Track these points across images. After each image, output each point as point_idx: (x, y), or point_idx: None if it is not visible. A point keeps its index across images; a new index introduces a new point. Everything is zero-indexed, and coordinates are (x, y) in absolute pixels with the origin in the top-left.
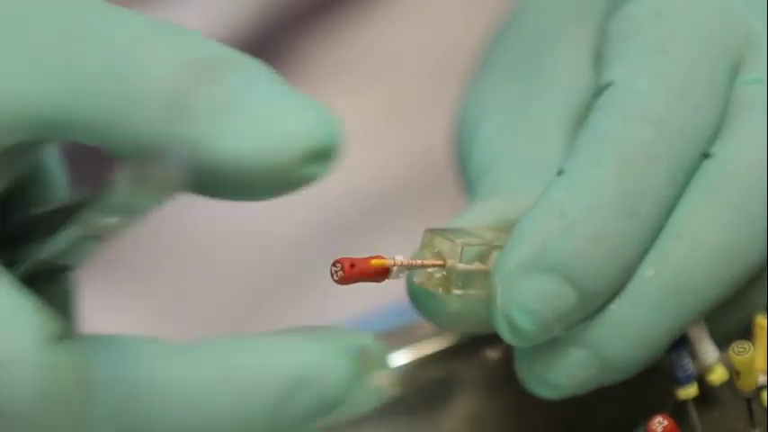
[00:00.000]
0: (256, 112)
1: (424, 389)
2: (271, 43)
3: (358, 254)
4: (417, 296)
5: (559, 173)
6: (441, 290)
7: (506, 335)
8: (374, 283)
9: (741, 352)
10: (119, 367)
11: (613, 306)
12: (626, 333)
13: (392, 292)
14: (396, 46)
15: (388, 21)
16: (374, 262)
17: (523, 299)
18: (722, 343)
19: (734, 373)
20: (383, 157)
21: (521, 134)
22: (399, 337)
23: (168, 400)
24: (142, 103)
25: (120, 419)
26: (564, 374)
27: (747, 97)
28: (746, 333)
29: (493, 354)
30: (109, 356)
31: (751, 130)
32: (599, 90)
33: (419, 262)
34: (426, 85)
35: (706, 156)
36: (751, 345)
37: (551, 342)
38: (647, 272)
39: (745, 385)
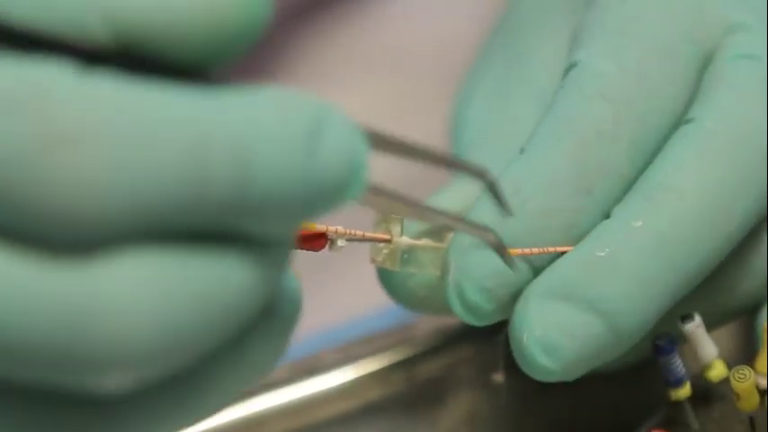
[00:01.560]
0: None
1: (423, 387)
2: (270, 39)
3: (358, 254)
4: (381, 277)
5: (521, 152)
6: (388, 264)
7: (459, 311)
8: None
9: (741, 378)
10: None
11: (602, 253)
12: (618, 277)
13: None
14: (396, 43)
15: (388, 17)
16: (303, 225)
17: (477, 276)
18: (717, 323)
19: (734, 396)
20: (382, 157)
21: (501, 118)
22: (398, 336)
23: None
24: None
25: None
26: (563, 334)
27: (724, 72)
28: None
29: (498, 378)
30: None
31: (728, 95)
32: (564, 72)
33: (360, 233)
34: (427, 81)
35: (686, 122)
36: (751, 371)
37: (548, 303)
38: (634, 223)
39: (746, 406)
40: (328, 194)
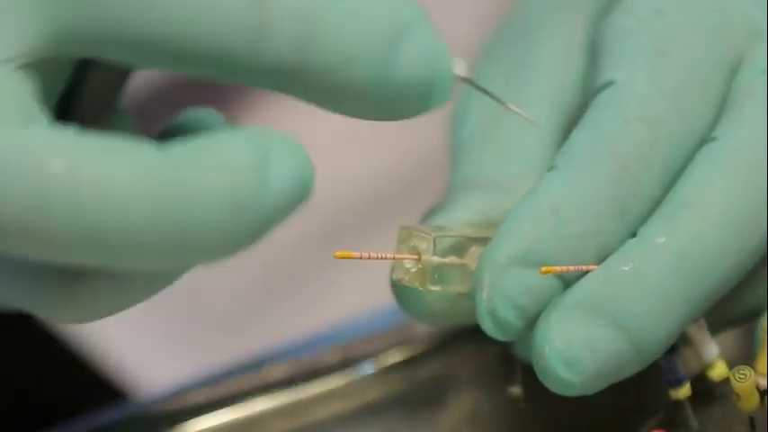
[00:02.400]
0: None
1: (423, 387)
2: None
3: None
4: (399, 293)
5: (551, 168)
6: (417, 284)
7: (490, 327)
8: (375, 283)
9: (742, 378)
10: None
11: (626, 268)
12: (641, 291)
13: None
14: None
15: None
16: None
17: (511, 293)
18: (720, 327)
19: (734, 396)
20: (382, 157)
21: (505, 119)
22: (398, 336)
23: None
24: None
25: None
26: (585, 347)
27: (748, 87)
28: (747, 318)
29: (514, 390)
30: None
31: (752, 115)
32: (598, 88)
33: (390, 255)
34: None
35: (710, 140)
36: (751, 370)
37: (570, 317)
38: (657, 239)
39: (746, 407)
40: (408, 94)
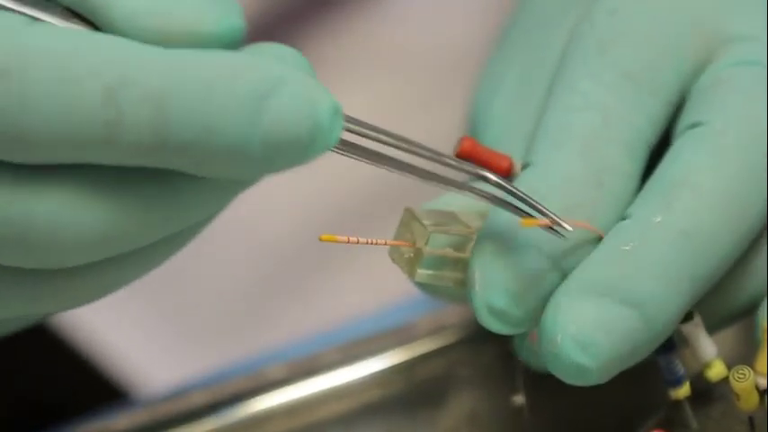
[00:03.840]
0: None
1: (422, 387)
2: (274, 39)
3: (357, 255)
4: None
5: (523, 167)
6: (405, 270)
7: (488, 320)
8: (376, 282)
9: (741, 378)
10: None
11: (627, 248)
12: (647, 269)
13: (390, 291)
14: (397, 43)
15: (389, 18)
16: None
17: (501, 280)
18: (718, 325)
19: (734, 396)
20: None
21: (523, 114)
22: (398, 336)
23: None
24: None
25: None
26: (599, 329)
27: (726, 76)
28: (745, 313)
29: (517, 399)
30: None
31: (735, 98)
32: (550, 89)
33: (383, 241)
34: (429, 83)
35: (693, 125)
36: (750, 370)
37: (579, 301)
38: (654, 219)
39: (745, 406)
40: (280, 149)
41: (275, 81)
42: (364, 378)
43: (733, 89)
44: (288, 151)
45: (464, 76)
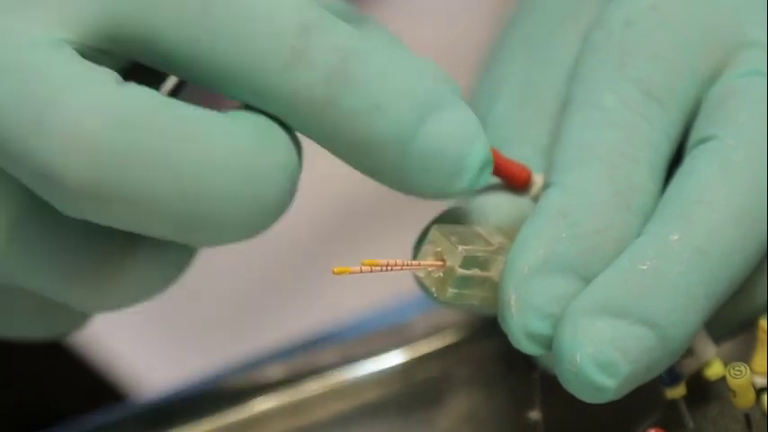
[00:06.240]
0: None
1: (419, 388)
2: None
3: (357, 255)
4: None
5: (546, 186)
6: (434, 290)
7: (526, 345)
8: (374, 282)
9: (737, 375)
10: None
11: (644, 267)
12: (664, 289)
13: (389, 291)
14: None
15: (389, 18)
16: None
17: (540, 303)
18: (722, 336)
19: (730, 393)
20: None
21: (528, 115)
22: (395, 336)
23: None
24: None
25: None
26: (617, 349)
27: (738, 88)
28: (747, 326)
29: (534, 415)
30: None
31: (746, 112)
32: (565, 104)
33: (416, 263)
34: None
35: (705, 140)
36: (747, 367)
37: (596, 320)
38: (671, 237)
39: (742, 403)
40: (427, 170)
41: (445, 98)
42: (362, 378)
43: (744, 102)
44: (436, 172)
45: (465, 75)
